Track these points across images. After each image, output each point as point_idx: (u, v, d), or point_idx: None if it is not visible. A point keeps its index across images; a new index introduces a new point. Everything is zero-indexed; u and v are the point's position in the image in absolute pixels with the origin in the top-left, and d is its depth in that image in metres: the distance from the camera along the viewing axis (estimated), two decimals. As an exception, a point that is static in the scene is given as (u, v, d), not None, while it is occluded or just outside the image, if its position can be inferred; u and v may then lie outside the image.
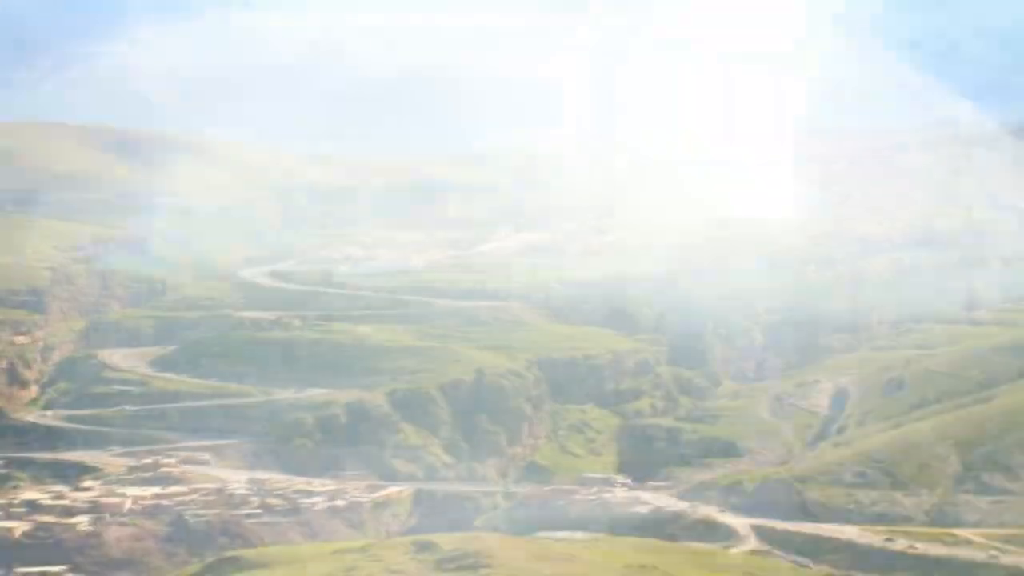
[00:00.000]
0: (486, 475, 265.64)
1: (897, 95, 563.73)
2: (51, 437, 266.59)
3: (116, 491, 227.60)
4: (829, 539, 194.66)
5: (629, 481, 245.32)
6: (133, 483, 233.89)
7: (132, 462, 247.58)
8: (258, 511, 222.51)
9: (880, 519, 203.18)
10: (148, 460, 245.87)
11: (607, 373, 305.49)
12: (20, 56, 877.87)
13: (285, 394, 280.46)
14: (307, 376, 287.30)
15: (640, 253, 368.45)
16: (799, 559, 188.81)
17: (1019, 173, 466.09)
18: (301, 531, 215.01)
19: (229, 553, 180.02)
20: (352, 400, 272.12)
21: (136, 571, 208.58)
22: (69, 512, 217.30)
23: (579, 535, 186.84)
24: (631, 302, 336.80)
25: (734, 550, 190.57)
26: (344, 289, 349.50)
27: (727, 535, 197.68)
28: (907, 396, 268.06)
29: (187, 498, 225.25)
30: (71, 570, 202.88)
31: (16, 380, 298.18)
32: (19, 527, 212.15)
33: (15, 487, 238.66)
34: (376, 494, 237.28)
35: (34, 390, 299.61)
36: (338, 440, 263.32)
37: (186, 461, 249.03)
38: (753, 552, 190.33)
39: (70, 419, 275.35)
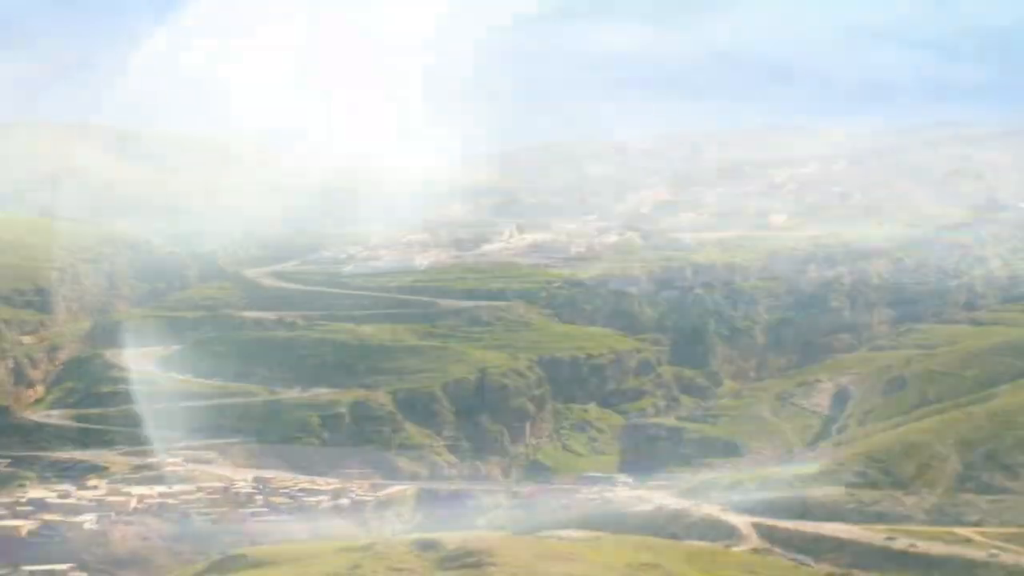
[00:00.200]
0: (489, 474, 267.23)
1: (900, 94, 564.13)
2: (57, 436, 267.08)
3: (122, 490, 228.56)
4: (830, 538, 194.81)
5: (631, 480, 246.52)
6: (139, 482, 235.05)
7: (138, 461, 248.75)
8: (263, 509, 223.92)
9: (881, 518, 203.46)
10: (154, 459, 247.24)
11: (609, 373, 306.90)
12: (20, 56, 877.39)
13: (290, 393, 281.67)
14: (311, 375, 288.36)
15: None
16: (800, 557, 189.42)
17: (1019, 173, 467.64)
18: (305, 529, 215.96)
19: (234, 551, 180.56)
20: (356, 399, 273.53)
21: (142, 569, 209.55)
22: (75, 511, 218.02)
23: (581, 534, 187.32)
24: (633, 302, 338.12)
25: (736, 549, 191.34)
26: (348, 289, 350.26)
27: (729, 534, 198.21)
28: (908, 396, 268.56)
29: (193, 497, 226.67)
30: (77, 568, 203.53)
31: (22, 379, 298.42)
32: (25, 525, 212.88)
33: (21, 486, 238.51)
34: (380, 493, 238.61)
35: (40, 389, 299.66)
36: (342, 439, 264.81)
37: (191, 460, 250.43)
38: (755, 551, 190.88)
39: (76, 418, 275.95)
